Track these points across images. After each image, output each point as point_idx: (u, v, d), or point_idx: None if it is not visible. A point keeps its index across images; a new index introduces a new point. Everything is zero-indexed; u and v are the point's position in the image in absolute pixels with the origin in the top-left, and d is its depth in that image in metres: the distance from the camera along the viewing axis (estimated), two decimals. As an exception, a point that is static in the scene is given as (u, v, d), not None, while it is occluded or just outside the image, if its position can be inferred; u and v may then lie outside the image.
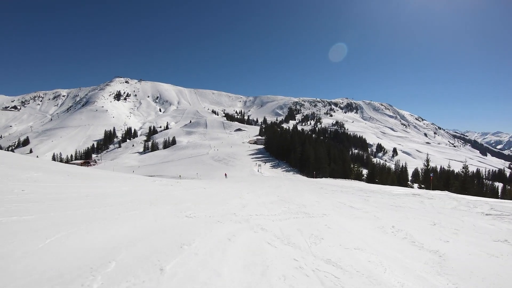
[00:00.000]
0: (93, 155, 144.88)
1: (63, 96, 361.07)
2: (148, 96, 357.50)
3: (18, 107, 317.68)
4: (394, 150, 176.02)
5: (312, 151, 68.00)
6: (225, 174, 48.84)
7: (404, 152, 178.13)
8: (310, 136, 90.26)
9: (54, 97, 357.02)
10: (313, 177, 46.79)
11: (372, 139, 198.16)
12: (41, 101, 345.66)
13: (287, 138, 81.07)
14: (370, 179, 32.97)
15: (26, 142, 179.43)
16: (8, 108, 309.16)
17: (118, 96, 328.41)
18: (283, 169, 64.36)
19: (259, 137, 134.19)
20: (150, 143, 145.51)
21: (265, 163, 68.70)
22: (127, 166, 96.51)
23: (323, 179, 34.59)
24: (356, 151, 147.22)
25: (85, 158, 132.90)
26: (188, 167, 64.48)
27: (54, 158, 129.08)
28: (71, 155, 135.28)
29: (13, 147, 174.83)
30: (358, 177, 36.32)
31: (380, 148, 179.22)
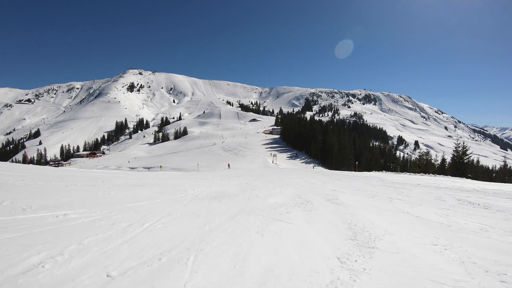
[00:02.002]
0: (103, 146, 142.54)
1: (77, 88, 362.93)
2: (162, 88, 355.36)
3: (32, 100, 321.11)
4: (416, 143, 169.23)
5: (335, 140, 59.74)
6: (228, 165, 42.20)
7: (426, 145, 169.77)
8: (331, 125, 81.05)
9: (68, 90, 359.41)
10: (354, 170, 37.70)
11: (392, 132, 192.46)
12: (55, 94, 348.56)
13: (306, 126, 72.69)
14: (458, 173, 23.33)
15: (37, 134, 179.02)
16: (22, 101, 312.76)
17: (131, 88, 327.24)
18: (302, 161, 56.42)
19: (275, 127, 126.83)
20: (160, 134, 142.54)
21: (281, 153, 60.82)
22: (133, 157, 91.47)
23: (374, 172, 24.71)
24: (377, 143, 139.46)
25: (94, 149, 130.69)
26: (193, 157, 57.62)
27: (62, 149, 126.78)
28: (77, 146, 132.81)
29: (25, 140, 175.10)
30: (425, 169, 27.04)
31: (401, 140, 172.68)
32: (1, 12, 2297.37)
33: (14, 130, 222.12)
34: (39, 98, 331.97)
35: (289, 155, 60.70)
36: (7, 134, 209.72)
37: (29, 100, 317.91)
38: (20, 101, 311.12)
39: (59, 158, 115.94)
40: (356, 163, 41.11)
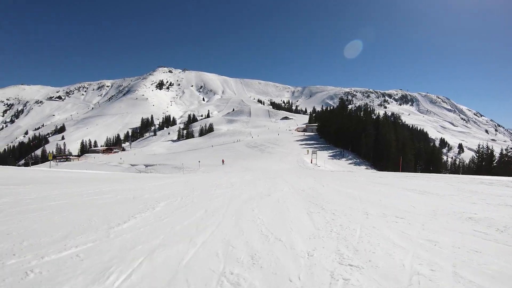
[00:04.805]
0: (126, 143, 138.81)
1: (107, 86, 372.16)
2: (192, 86, 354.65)
3: (63, 97, 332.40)
4: (460, 146, 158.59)
5: (392, 135, 46.99)
6: (223, 161, 33.83)
7: (469, 149, 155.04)
8: (384, 117, 66.59)
9: (99, 88, 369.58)
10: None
11: (433, 134, 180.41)
12: (85, 91, 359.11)
13: (353, 118, 59.92)
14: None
15: (62, 129, 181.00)
16: (53, 98, 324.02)
17: (160, 85, 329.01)
18: (349, 161, 44.21)
19: (309, 124, 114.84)
20: (185, 131, 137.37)
21: (321, 151, 48.79)
22: (151, 154, 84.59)
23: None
24: (418, 146, 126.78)
25: (115, 145, 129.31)
26: (209, 155, 47.76)
27: (82, 145, 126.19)
28: (95, 141, 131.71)
29: (50, 135, 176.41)
30: None
31: (443, 143, 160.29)
32: (36, 11, 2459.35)
33: (42, 125, 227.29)
34: (70, 95, 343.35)
35: (331, 154, 48.60)
36: (35, 129, 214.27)
37: (59, 97, 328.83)
38: (50, 98, 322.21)
39: (72, 153, 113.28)
40: None
